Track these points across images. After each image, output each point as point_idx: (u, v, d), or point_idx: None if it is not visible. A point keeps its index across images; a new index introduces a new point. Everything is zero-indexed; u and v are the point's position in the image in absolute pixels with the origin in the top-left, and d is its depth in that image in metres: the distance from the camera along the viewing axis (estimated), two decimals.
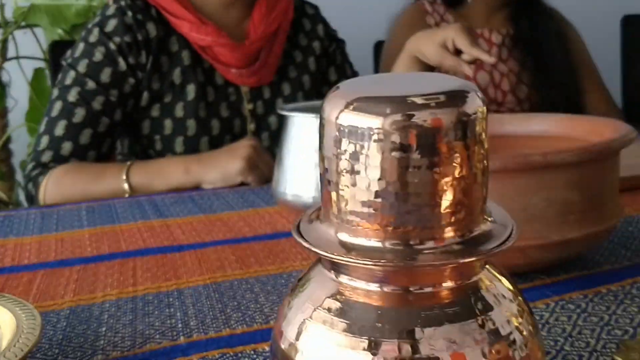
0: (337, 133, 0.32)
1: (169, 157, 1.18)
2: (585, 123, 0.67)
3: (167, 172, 1.07)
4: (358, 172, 0.32)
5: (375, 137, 0.31)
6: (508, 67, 1.66)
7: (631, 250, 0.67)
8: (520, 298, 0.36)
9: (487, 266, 0.35)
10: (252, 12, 1.28)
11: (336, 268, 0.34)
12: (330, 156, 0.33)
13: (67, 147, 1.14)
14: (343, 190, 0.33)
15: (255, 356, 0.49)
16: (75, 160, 1.14)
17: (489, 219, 0.35)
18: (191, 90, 1.21)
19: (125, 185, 1.07)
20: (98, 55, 1.18)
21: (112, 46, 1.18)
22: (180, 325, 0.55)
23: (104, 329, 0.55)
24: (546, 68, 1.62)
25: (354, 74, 1.47)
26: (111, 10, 1.22)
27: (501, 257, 0.56)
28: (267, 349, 0.50)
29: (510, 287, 0.36)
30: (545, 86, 1.61)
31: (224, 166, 1.04)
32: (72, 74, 1.18)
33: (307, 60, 1.37)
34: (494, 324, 0.33)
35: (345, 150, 0.32)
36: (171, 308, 0.58)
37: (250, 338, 0.52)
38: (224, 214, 0.88)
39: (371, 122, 0.31)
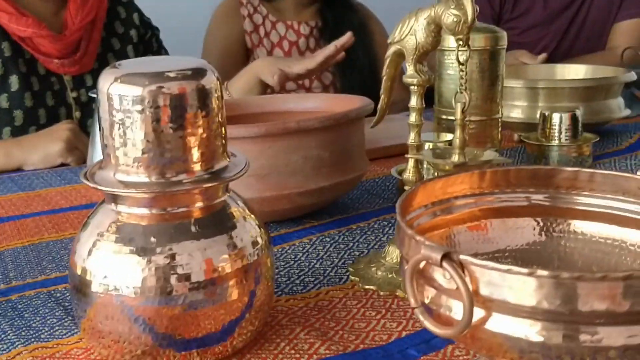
0: (108, 101, 0.44)
1: None
2: (343, 100, 0.84)
3: None
4: (126, 130, 0.44)
5: (137, 103, 0.43)
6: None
7: (379, 197, 0.85)
8: (257, 220, 0.50)
9: (230, 194, 0.49)
10: (67, 3, 1.33)
11: (115, 200, 0.46)
12: (105, 119, 0.45)
13: None
14: (117, 145, 0.45)
15: (66, 292, 0.60)
16: None
17: (229, 160, 0.48)
18: (14, 81, 1.24)
19: None
20: None
21: None
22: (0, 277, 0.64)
23: None
24: (348, 57, 1.82)
25: None
26: None
27: (272, 203, 0.70)
28: None
29: (249, 213, 0.50)
30: (346, 73, 1.81)
31: (43, 148, 1.10)
32: None
33: (125, 47, 1.44)
34: (235, 236, 0.47)
35: (115, 115, 0.44)
36: None
37: (63, 280, 0.62)
38: (42, 191, 0.95)
39: (133, 91, 0.43)
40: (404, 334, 0.51)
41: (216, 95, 0.46)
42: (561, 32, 1.90)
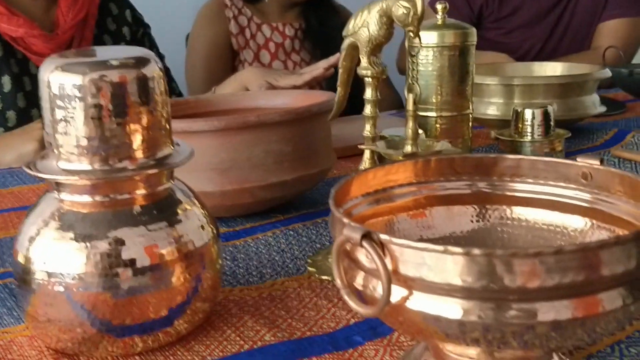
0: (48, 90, 0.44)
1: None
2: (313, 96, 0.84)
3: None
4: (68, 119, 0.44)
5: (77, 91, 0.44)
6: (300, 56, 1.84)
7: None
8: (204, 211, 0.50)
9: (175, 182, 0.50)
10: (58, 0, 1.32)
11: (58, 188, 0.46)
12: (46, 108, 0.45)
13: None
14: (59, 133, 0.45)
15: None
16: None
17: (173, 148, 0.49)
18: (7, 81, 1.24)
19: None
20: None
21: None
22: None
23: None
24: None
25: (162, 59, 1.56)
26: None
27: (234, 197, 0.70)
28: None
29: (196, 203, 0.50)
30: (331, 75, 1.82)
31: (18, 148, 1.10)
32: None
33: (117, 45, 1.44)
34: (179, 224, 0.47)
35: (56, 103, 0.44)
36: None
37: None
38: (15, 188, 0.96)
39: (74, 80, 0.44)
40: (352, 321, 0.52)
41: (159, 84, 0.46)
42: (547, 33, 1.91)
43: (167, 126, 0.48)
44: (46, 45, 1.27)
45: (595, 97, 1.12)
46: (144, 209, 0.47)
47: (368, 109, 0.60)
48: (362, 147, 0.60)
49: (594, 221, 0.45)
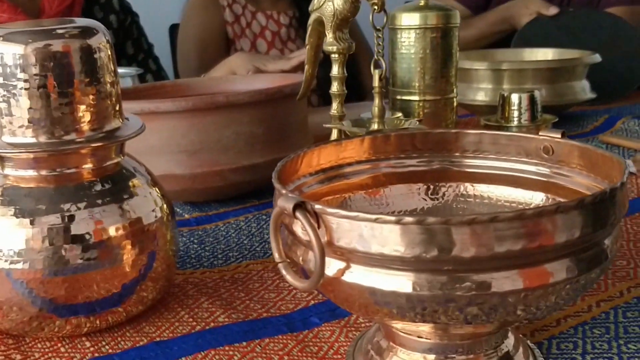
0: None
1: None
2: (292, 78, 0.82)
3: None
4: (10, 90, 0.43)
5: (19, 61, 0.42)
6: (297, 45, 1.82)
7: None
8: (158, 190, 0.49)
9: (125, 158, 0.48)
10: None
11: (3, 163, 0.45)
12: None
13: None
14: (2, 106, 0.43)
15: None
16: None
17: (122, 122, 0.47)
18: None
19: None
20: None
21: None
22: None
23: None
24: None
25: (150, 47, 1.54)
26: None
27: (204, 180, 0.69)
28: None
29: (149, 181, 0.49)
30: (327, 62, 1.80)
31: None
32: None
33: None
34: (129, 201, 0.46)
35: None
36: None
37: None
38: None
39: (15, 49, 0.42)
40: (311, 303, 0.50)
41: (105, 55, 0.45)
42: None
43: (116, 99, 0.47)
44: None
45: (585, 83, 1.10)
46: (92, 184, 0.45)
47: (335, 86, 0.59)
48: (327, 125, 0.59)
49: (556, 197, 0.43)
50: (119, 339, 0.46)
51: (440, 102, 0.91)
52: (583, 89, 1.08)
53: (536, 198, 0.44)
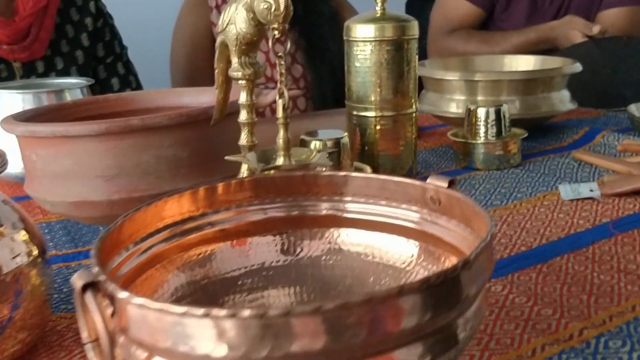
0: None
1: None
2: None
3: None
4: None
5: None
6: (284, 47, 1.78)
7: None
8: (26, 231, 0.45)
9: None
10: None
11: None
12: None
13: None
14: None
15: None
16: None
17: None
18: None
19: None
20: None
21: None
22: None
23: None
24: (317, 48, 1.75)
25: (122, 51, 1.51)
26: None
27: (124, 207, 0.65)
28: None
29: (17, 220, 0.45)
30: (316, 64, 1.75)
31: None
32: None
33: (79, 35, 1.41)
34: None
35: None
36: None
37: None
38: None
39: None
40: None
41: None
42: None
43: None
44: (3, 31, 1.25)
45: (564, 94, 1.04)
46: None
47: (243, 115, 0.54)
48: (230, 158, 0.55)
49: (431, 248, 0.39)
50: None
51: (398, 118, 0.86)
52: (561, 100, 1.03)
53: (410, 252, 0.40)
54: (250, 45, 0.52)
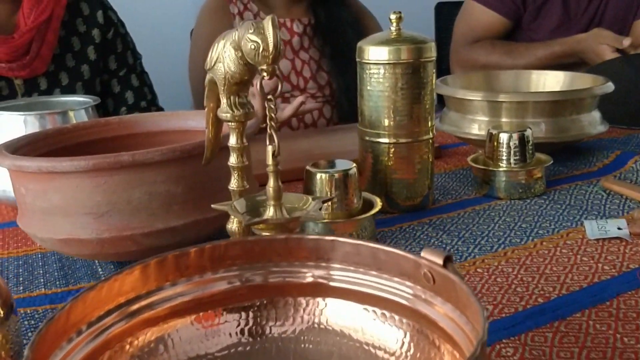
0: None
1: None
2: None
3: None
4: None
5: None
6: (309, 54, 1.73)
7: None
8: None
9: None
10: (21, 2, 1.26)
11: None
12: None
13: None
14: None
15: None
16: None
17: None
18: None
19: None
20: None
21: None
22: None
23: None
24: (342, 55, 1.71)
25: (136, 61, 1.46)
26: None
27: (114, 245, 0.62)
28: None
29: None
30: (342, 72, 1.70)
31: None
32: None
33: (85, 48, 1.35)
34: None
35: None
36: None
37: None
38: None
39: None
40: None
41: None
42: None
43: None
44: (1, 49, 1.21)
45: (594, 115, 0.97)
46: None
47: (233, 158, 0.50)
48: (216, 206, 0.51)
49: (425, 331, 0.34)
50: None
51: (413, 145, 0.81)
52: (591, 122, 0.96)
53: (404, 333, 0.35)
54: (240, 85, 0.48)
